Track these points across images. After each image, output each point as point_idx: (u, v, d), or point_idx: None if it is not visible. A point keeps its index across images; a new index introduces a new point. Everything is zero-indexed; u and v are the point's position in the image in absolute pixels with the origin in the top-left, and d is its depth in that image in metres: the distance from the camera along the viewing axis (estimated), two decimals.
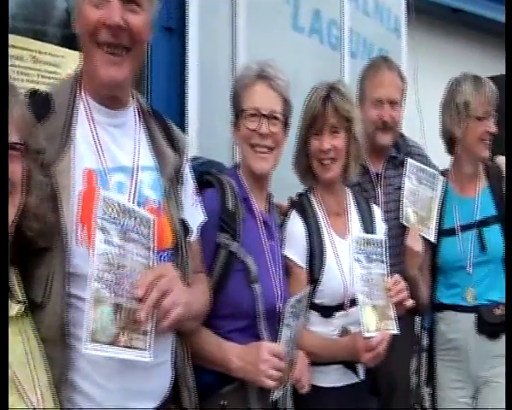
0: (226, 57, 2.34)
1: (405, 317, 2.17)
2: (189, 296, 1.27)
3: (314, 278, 1.82)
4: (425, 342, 2.34)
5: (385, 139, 2.21)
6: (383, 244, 1.78)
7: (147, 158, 1.34)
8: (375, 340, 1.65)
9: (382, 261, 1.75)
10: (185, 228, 1.39)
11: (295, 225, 1.86)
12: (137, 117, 1.37)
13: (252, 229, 1.68)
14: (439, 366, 2.24)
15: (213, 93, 2.16)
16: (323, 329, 1.84)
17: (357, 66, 2.68)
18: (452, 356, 2.21)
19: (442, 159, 2.39)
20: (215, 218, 1.59)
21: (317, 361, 1.81)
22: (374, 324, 1.67)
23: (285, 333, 1.52)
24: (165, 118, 1.47)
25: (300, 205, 1.92)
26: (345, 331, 1.83)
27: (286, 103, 1.72)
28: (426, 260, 2.22)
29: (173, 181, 1.37)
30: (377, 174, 2.26)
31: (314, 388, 1.80)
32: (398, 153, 2.30)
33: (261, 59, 1.73)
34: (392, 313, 1.71)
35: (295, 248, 1.83)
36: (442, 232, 2.21)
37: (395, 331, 1.70)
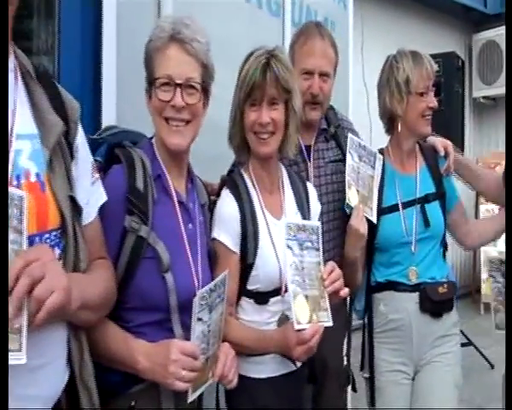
0: (149, 21, 2.10)
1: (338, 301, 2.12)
2: (73, 282, 1.09)
3: (248, 263, 1.69)
4: (357, 323, 2.27)
5: (313, 115, 2.08)
6: (318, 231, 1.65)
7: (26, 124, 1.13)
8: (308, 333, 1.53)
9: (317, 249, 1.63)
10: (77, 207, 1.20)
11: (227, 206, 1.71)
12: (15, 76, 1.15)
13: (166, 211, 1.50)
14: (378, 348, 2.16)
15: (133, 59, 1.92)
16: (258, 317, 1.72)
17: None
18: (392, 338, 2.14)
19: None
20: (121, 198, 1.40)
21: (249, 353, 1.70)
22: (306, 315, 1.55)
23: (198, 328, 1.37)
24: (54, 82, 1.25)
25: (233, 183, 1.76)
26: (284, 319, 1.71)
27: (205, 69, 1.53)
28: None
29: (58, 153, 1.17)
30: (307, 147, 2.13)
31: (249, 380, 1.70)
32: (329, 126, 2.19)
33: (177, 17, 1.52)
34: (326, 303, 1.59)
35: (226, 230, 1.68)
36: (383, 210, 2.12)
37: (329, 323, 1.58)
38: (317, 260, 1.62)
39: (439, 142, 2.23)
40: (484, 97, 7.01)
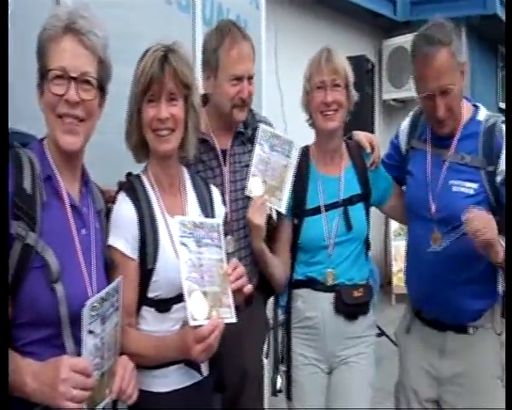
0: (46, 9, 1.95)
1: (257, 304, 2.11)
2: None
3: (147, 269, 1.59)
4: (280, 320, 2.25)
5: (241, 116, 2.06)
6: (218, 228, 1.60)
7: None
8: (206, 329, 1.46)
9: (218, 246, 1.58)
10: None
11: (123, 210, 1.61)
12: None
13: (56, 216, 1.38)
14: (295, 343, 2.17)
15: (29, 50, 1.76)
16: (160, 326, 1.62)
17: None
18: (308, 334, 2.15)
19: (302, 133, 2.29)
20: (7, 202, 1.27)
21: (149, 365, 1.60)
22: (204, 312, 1.49)
23: (89, 342, 1.27)
24: None
25: (130, 186, 1.67)
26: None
27: (102, 65, 1.44)
28: (284, 237, 2.15)
29: None
30: (223, 151, 2.07)
31: (153, 395, 1.60)
32: (246, 128, 2.14)
33: (75, 7, 1.42)
34: (229, 300, 1.55)
35: (123, 235, 1.59)
36: (306, 212, 2.12)
37: (232, 319, 1.53)
38: (219, 257, 1.58)
39: (364, 136, 2.23)
40: (393, 100, 7.28)
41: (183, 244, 1.53)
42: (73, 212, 1.42)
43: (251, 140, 2.11)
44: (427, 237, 2.01)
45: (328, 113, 2.08)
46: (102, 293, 1.30)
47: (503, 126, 1.97)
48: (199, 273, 1.52)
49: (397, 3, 7.30)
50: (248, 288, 1.63)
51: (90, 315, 1.25)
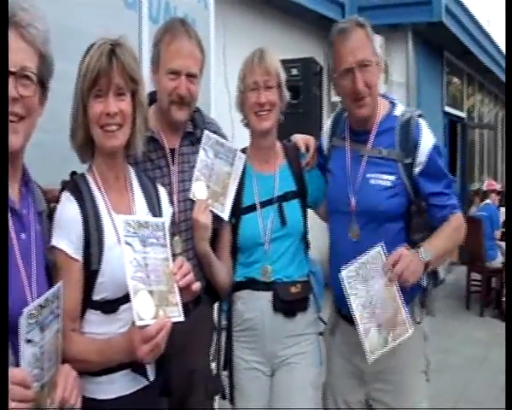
0: None
1: (204, 306, 2.09)
2: None
3: (92, 270, 1.55)
4: (223, 325, 2.24)
5: (180, 115, 2.01)
6: (163, 227, 1.59)
7: None
8: (153, 328, 1.44)
9: (163, 245, 1.57)
10: None
11: (67, 209, 1.56)
12: None
13: None
14: (236, 347, 2.16)
15: None
16: (107, 328, 1.58)
17: None
18: (248, 336, 2.14)
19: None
20: None
21: (94, 370, 1.56)
22: (151, 311, 1.47)
23: (28, 352, 1.22)
24: None
25: (74, 185, 1.62)
26: None
27: (43, 60, 1.39)
28: (225, 240, 2.14)
29: None
30: (172, 150, 2.05)
31: (97, 402, 1.56)
32: (195, 129, 2.12)
33: None
34: (176, 298, 1.53)
35: (67, 236, 1.53)
36: (242, 210, 2.13)
37: (180, 318, 1.51)
38: (164, 257, 1.56)
39: (301, 138, 2.26)
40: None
41: (128, 244, 1.50)
42: (12, 215, 1.36)
43: (199, 140, 2.09)
44: (346, 232, 2.04)
45: (262, 113, 2.10)
46: (41, 300, 1.25)
47: (420, 120, 2.04)
48: (144, 273, 1.50)
49: (345, 8, 7.41)
50: (196, 285, 1.61)
51: (27, 323, 1.20)
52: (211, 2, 3.29)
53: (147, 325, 1.45)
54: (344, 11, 7.36)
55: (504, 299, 6.94)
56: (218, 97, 3.47)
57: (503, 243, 7.35)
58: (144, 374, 1.63)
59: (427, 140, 2.02)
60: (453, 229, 2.06)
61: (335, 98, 7.36)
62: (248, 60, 2.12)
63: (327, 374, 2.23)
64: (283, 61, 3.95)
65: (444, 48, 9.44)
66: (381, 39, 7.29)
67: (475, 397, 4.68)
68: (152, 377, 1.66)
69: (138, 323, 1.44)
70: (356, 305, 1.89)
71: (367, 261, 1.89)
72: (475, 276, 7.52)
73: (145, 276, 1.50)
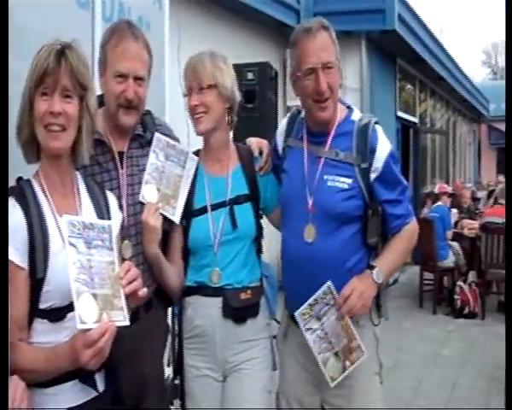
0: None
1: (157, 310, 2.07)
2: None
3: (37, 279, 1.51)
4: (176, 331, 2.21)
5: (127, 120, 1.98)
6: (110, 230, 1.56)
7: None
8: (96, 332, 1.40)
9: (109, 248, 1.54)
10: None
11: (12, 216, 1.51)
12: None
13: None
14: (187, 354, 2.14)
15: None
16: (55, 337, 1.54)
17: None
18: (199, 343, 2.12)
19: None
20: None
21: (41, 380, 1.51)
22: (94, 314, 1.43)
23: None
24: None
25: (19, 191, 1.58)
26: None
27: None
28: (176, 243, 2.12)
29: None
30: (121, 154, 2.02)
31: None
32: (145, 131, 2.10)
33: None
34: (121, 303, 1.49)
35: (12, 243, 1.49)
36: (193, 213, 2.11)
37: (125, 322, 1.47)
38: (110, 260, 1.53)
39: (255, 142, 2.25)
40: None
41: (72, 245, 1.46)
42: None
43: (150, 143, 2.07)
44: (301, 233, 2.04)
45: (197, 116, 2.09)
46: None
47: (377, 126, 2.08)
48: (88, 275, 1.46)
49: (300, 14, 7.52)
50: (143, 291, 1.57)
51: None
52: (166, 4, 3.30)
53: (89, 329, 1.41)
54: (299, 17, 7.47)
55: (456, 297, 7.17)
56: (174, 99, 3.46)
57: (454, 243, 7.59)
58: (93, 384, 1.59)
59: (384, 147, 2.05)
60: (406, 242, 2.11)
61: (291, 103, 7.44)
62: (186, 63, 2.11)
63: (280, 379, 2.22)
64: (239, 66, 4.04)
65: (397, 55, 9.69)
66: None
67: (429, 392, 4.79)
68: (101, 388, 1.62)
69: (80, 326, 1.40)
70: (312, 339, 1.98)
71: (318, 298, 1.97)
72: (428, 275, 7.69)
73: (89, 278, 1.46)
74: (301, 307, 1.99)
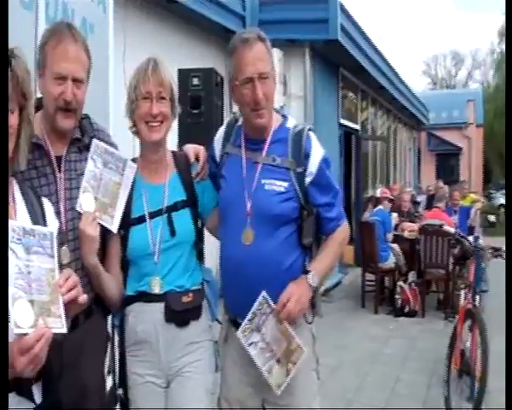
0: None
1: (96, 317, 2.06)
2: None
3: None
4: (116, 340, 2.20)
5: (66, 123, 1.98)
6: (51, 237, 1.55)
7: None
8: (31, 337, 1.37)
9: (50, 256, 1.53)
10: None
11: None
12: None
13: None
14: (130, 362, 2.14)
15: None
16: None
17: None
18: (142, 350, 2.12)
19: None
20: None
21: None
22: (30, 320, 1.41)
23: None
24: None
25: None
26: None
27: None
28: (114, 252, 2.12)
29: None
30: (58, 158, 2.01)
31: None
32: (83, 136, 2.09)
33: None
34: (59, 310, 1.48)
35: None
36: (131, 222, 2.12)
37: (62, 330, 1.45)
38: (50, 267, 1.52)
39: (191, 148, 2.27)
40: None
41: (12, 250, 1.44)
42: None
43: (88, 148, 2.06)
44: (239, 236, 2.10)
45: (154, 124, 2.10)
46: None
47: (310, 133, 2.18)
48: (26, 281, 1.44)
49: (246, 21, 7.63)
50: (83, 298, 1.56)
51: None
52: (110, 7, 3.28)
53: (25, 334, 1.38)
54: (245, 24, 7.57)
55: (397, 296, 7.42)
56: (118, 103, 3.45)
57: (394, 245, 7.86)
58: (30, 396, 1.54)
59: (318, 152, 2.15)
60: (338, 244, 2.22)
61: (237, 108, 7.53)
62: (141, 68, 2.10)
63: (221, 382, 2.26)
64: (185, 71, 4.09)
65: (339, 64, 9.95)
66: (280, 53, 7.58)
67: (372, 389, 4.94)
68: (39, 400, 1.56)
69: (15, 331, 1.37)
70: (256, 354, 2.06)
71: (256, 311, 2.05)
72: (370, 277, 7.92)
73: (26, 284, 1.44)
74: (242, 325, 2.07)
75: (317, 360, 2.23)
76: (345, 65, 10.02)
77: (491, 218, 16.63)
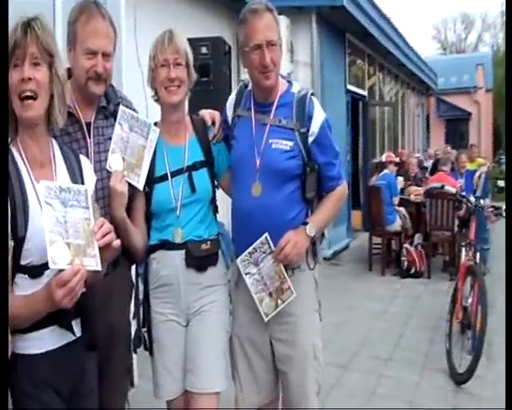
0: None
1: (123, 267, 2.29)
2: None
3: (18, 238, 1.69)
4: (140, 286, 2.43)
5: (97, 89, 2.18)
6: (85, 193, 1.73)
7: None
8: (67, 273, 1.55)
9: (85, 207, 1.71)
10: None
11: None
12: None
13: None
14: (153, 303, 2.38)
15: None
16: (33, 291, 1.71)
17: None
18: (164, 292, 2.36)
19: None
20: None
21: (24, 325, 1.70)
22: (66, 258, 1.58)
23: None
24: None
25: None
26: None
27: None
28: (139, 207, 2.34)
29: None
30: (88, 124, 2.22)
31: (26, 357, 1.70)
32: (108, 104, 2.30)
33: None
34: (95, 251, 1.65)
35: None
36: (155, 180, 2.34)
37: (97, 268, 1.63)
38: (85, 217, 1.68)
39: (207, 113, 2.49)
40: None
41: (48, 204, 1.61)
42: None
43: (113, 115, 2.26)
44: (249, 189, 2.33)
45: (172, 88, 2.31)
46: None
47: (313, 97, 2.39)
48: (63, 228, 1.61)
49: None
50: (117, 243, 1.74)
51: None
52: None
53: (62, 270, 1.54)
54: None
55: (403, 258, 7.58)
56: (130, 74, 3.59)
57: (401, 208, 8.01)
58: (70, 329, 1.75)
59: (320, 114, 2.37)
60: (337, 200, 2.45)
61: (244, 76, 7.61)
62: (159, 40, 2.31)
63: (233, 323, 2.47)
64: (193, 40, 4.21)
65: (346, 30, 9.95)
66: (287, 21, 7.64)
67: (376, 343, 5.16)
68: (78, 333, 1.79)
69: (52, 266, 1.53)
70: (250, 282, 2.32)
71: (256, 247, 2.30)
72: (377, 240, 8.06)
73: (63, 230, 1.60)
74: (242, 255, 2.33)
75: (319, 303, 2.47)
76: (351, 31, 10.01)
77: (501, 183, 16.54)
